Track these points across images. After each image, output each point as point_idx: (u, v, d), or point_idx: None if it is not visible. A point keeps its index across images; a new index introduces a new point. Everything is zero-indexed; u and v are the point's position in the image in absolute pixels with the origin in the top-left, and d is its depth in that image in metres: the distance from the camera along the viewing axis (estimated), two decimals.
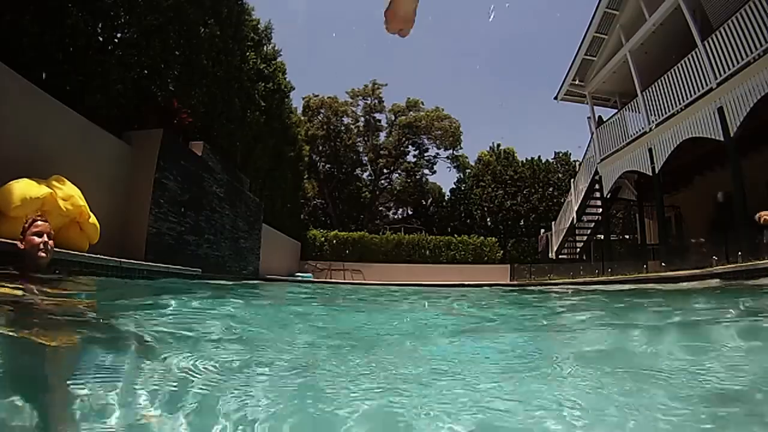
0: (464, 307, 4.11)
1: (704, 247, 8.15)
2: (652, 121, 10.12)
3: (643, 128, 10.49)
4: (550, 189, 22.92)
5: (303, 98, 25.18)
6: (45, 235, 2.47)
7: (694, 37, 8.62)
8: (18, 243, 2.48)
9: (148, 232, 5.24)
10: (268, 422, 1.05)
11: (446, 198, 26.87)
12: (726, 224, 6.02)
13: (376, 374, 1.48)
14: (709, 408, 1.14)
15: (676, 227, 12.28)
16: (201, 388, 1.22)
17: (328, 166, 26.56)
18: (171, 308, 2.58)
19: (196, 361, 1.43)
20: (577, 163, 16.55)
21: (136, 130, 5.57)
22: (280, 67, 12.09)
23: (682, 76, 9.02)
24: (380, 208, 28.23)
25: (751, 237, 6.37)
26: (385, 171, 27.49)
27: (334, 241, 17.58)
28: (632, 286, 6.78)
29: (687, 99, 8.90)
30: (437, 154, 27.32)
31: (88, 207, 3.70)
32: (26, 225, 2.48)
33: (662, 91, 9.71)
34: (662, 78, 9.66)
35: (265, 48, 11.28)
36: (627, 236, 16.71)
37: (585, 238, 14.57)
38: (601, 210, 13.51)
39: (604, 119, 13.08)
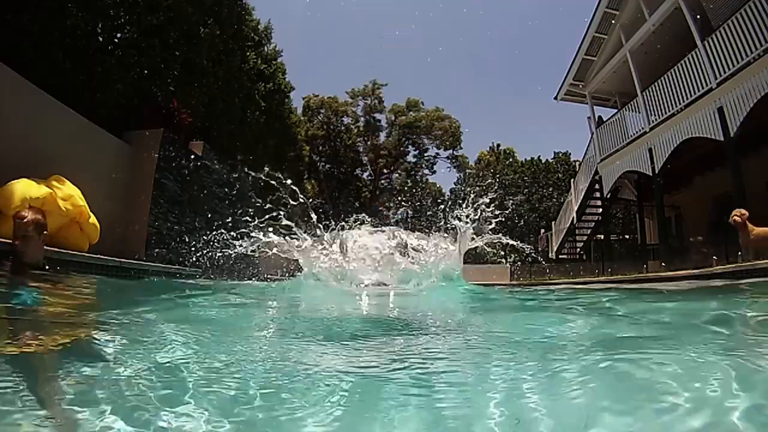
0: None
1: (704, 247, 8.14)
2: (652, 121, 10.11)
3: (643, 128, 10.48)
4: (550, 189, 22.93)
5: (303, 98, 25.22)
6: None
7: (694, 37, 8.62)
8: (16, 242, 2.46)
9: (148, 232, 5.24)
10: None
11: (446, 198, 26.92)
12: (726, 224, 6.02)
13: None
14: None
15: (676, 227, 12.28)
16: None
17: (328, 166, 26.58)
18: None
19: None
20: (577, 163, 16.54)
21: (136, 130, 5.57)
22: (280, 68, 12.09)
23: (682, 76, 9.02)
24: (380, 209, 28.25)
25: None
26: (385, 171, 27.51)
27: None
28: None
29: (687, 99, 8.89)
30: (437, 154, 27.37)
31: (87, 207, 3.71)
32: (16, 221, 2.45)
33: (662, 91, 9.71)
34: (662, 78, 9.65)
35: (265, 48, 11.28)
36: (627, 236, 16.70)
37: (585, 238, 14.57)
38: (601, 210, 13.50)
39: (604, 119, 13.08)
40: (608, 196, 12.70)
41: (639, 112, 10.75)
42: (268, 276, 9.84)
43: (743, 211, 5.54)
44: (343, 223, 4.82)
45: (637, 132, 10.83)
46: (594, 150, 13.16)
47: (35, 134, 3.90)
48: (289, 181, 4.22)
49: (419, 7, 42.49)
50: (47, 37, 4.39)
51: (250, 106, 9.85)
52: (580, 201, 13.72)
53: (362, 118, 27.41)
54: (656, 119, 9.98)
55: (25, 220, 2.37)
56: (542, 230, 17.36)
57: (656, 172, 9.83)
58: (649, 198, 12.00)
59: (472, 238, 4.67)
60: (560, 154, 24.35)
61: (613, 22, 11.79)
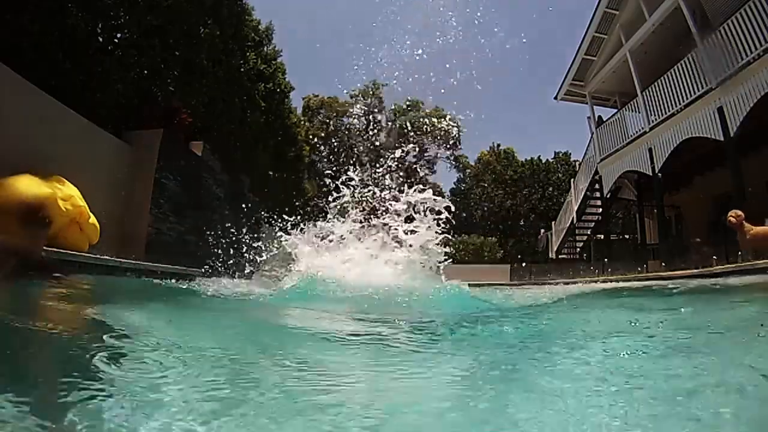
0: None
1: (702, 247, 8.14)
2: (652, 121, 10.12)
3: (643, 128, 10.49)
4: (550, 189, 22.93)
5: (303, 98, 25.23)
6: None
7: (694, 36, 8.62)
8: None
9: (148, 232, 5.24)
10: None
11: (446, 198, 26.91)
12: (726, 224, 6.02)
13: None
14: None
15: (676, 227, 12.28)
16: None
17: (329, 166, 26.60)
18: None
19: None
20: (577, 163, 16.55)
21: (136, 130, 5.57)
22: (280, 68, 12.09)
23: (682, 76, 9.02)
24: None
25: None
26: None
27: None
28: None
29: (687, 99, 8.90)
30: (437, 154, 27.37)
31: (87, 207, 3.70)
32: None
33: (662, 91, 9.71)
34: (662, 78, 9.66)
35: (265, 48, 11.28)
36: (627, 236, 16.70)
37: (585, 238, 14.57)
38: (601, 210, 13.50)
39: (604, 119, 13.09)
40: (608, 196, 12.70)
41: (639, 112, 10.76)
42: (268, 276, 9.81)
43: (738, 212, 5.54)
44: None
45: (637, 132, 10.83)
46: (594, 150, 13.17)
47: (35, 134, 3.90)
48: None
49: (419, 7, 42.45)
50: (47, 37, 4.39)
51: (250, 106, 9.85)
52: (580, 201, 13.73)
53: (362, 118, 27.43)
54: (656, 119, 9.99)
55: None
56: (542, 230, 17.36)
57: (656, 172, 9.83)
58: (649, 198, 12.00)
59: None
60: (560, 154, 24.35)
61: (613, 22, 11.80)
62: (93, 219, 3.78)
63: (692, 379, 1.26)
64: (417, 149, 27.23)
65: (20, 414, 0.95)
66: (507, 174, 23.78)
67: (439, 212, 4.63)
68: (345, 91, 27.13)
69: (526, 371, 1.42)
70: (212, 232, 7.19)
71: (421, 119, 26.16)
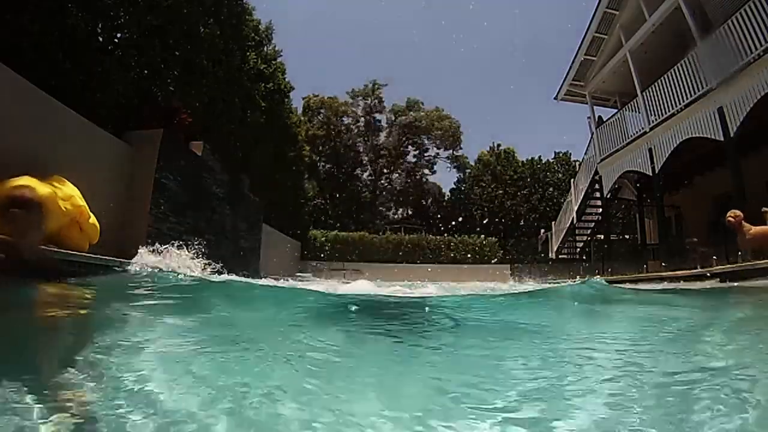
0: None
1: (700, 247, 8.14)
2: (652, 121, 10.12)
3: (643, 128, 10.48)
4: (550, 189, 22.94)
5: (303, 98, 25.25)
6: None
7: (694, 36, 8.62)
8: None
9: (148, 232, 5.24)
10: None
11: (446, 198, 26.90)
12: (725, 224, 6.02)
13: None
14: None
15: (676, 227, 12.28)
16: None
17: (328, 166, 26.58)
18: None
19: None
20: (577, 163, 16.55)
21: (136, 130, 5.56)
22: (280, 68, 12.10)
23: (682, 76, 9.02)
24: (380, 208, 28.26)
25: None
26: (385, 171, 27.51)
27: (335, 241, 17.58)
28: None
29: (687, 99, 8.90)
30: (437, 154, 27.39)
31: (87, 207, 3.70)
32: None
33: (662, 91, 9.71)
34: (662, 78, 9.65)
35: (265, 48, 11.29)
36: (627, 236, 16.71)
37: (585, 238, 14.57)
38: (601, 210, 13.50)
39: (604, 119, 13.09)
40: (608, 196, 12.70)
41: (639, 112, 10.76)
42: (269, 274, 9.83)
43: (737, 212, 5.54)
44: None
45: (637, 132, 10.83)
46: (594, 150, 13.17)
47: (35, 134, 3.90)
48: None
49: (419, 7, 42.50)
50: (47, 37, 4.39)
51: (250, 106, 9.85)
52: (580, 201, 13.73)
53: (362, 118, 27.43)
54: (656, 119, 9.99)
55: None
56: (542, 230, 17.36)
57: (656, 172, 9.83)
58: (649, 198, 12.01)
59: None
60: (560, 154, 24.36)
61: (613, 22, 11.80)
62: (93, 219, 3.78)
63: None
64: (417, 149, 27.26)
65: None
66: (507, 174, 23.78)
67: None
68: (345, 91, 27.14)
69: None
70: (212, 233, 7.19)
71: (421, 119, 26.16)
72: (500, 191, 23.37)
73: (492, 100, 46.05)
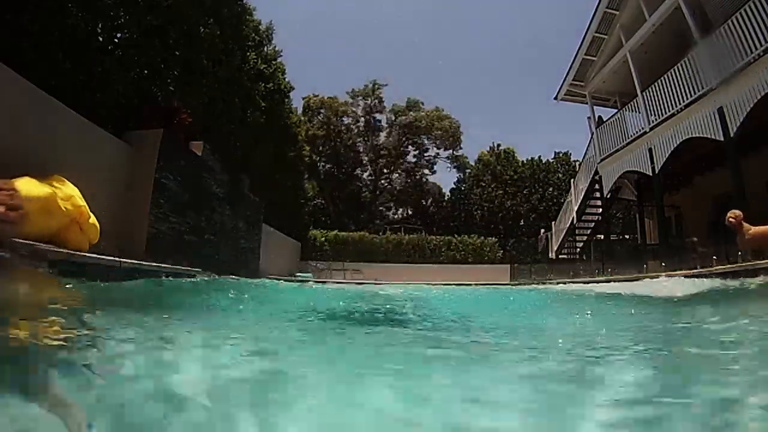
0: None
1: (700, 247, 8.14)
2: (652, 121, 10.12)
3: (643, 128, 10.49)
4: (550, 189, 22.94)
5: (303, 98, 25.23)
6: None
7: (694, 36, 8.62)
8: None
9: (148, 232, 5.24)
10: None
11: (446, 198, 26.89)
12: (725, 224, 6.03)
13: None
14: None
15: (676, 227, 12.28)
16: None
17: (328, 166, 26.57)
18: None
19: None
20: (577, 163, 16.56)
21: (136, 130, 5.56)
22: (280, 68, 12.09)
23: (682, 76, 9.02)
24: (380, 208, 28.25)
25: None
26: (385, 171, 27.51)
27: (335, 241, 17.58)
28: None
29: (687, 99, 8.90)
30: (437, 154, 27.37)
31: (87, 207, 3.70)
32: None
33: (662, 91, 9.71)
34: (662, 78, 9.66)
35: (265, 48, 11.28)
36: (627, 236, 16.71)
37: (585, 238, 14.57)
38: (601, 210, 13.51)
39: (604, 119, 13.09)
40: (608, 196, 12.71)
41: (639, 112, 10.76)
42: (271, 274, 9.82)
43: (737, 212, 5.54)
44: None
45: (637, 132, 10.83)
46: (594, 150, 13.17)
47: (35, 134, 3.90)
48: None
49: (419, 8, 42.51)
50: (47, 37, 4.39)
51: (250, 106, 9.85)
52: (580, 201, 13.73)
53: (362, 118, 27.42)
54: (656, 119, 9.99)
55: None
56: (542, 230, 17.37)
57: (656, 172, 9.83)
58: (649, 198, 12.01)
59: None
60: (560, 154, 24.35)
61: (613, 22, 11.80)
62: (93, 219, 3.78)
63: None
64: (417, 149, 27.25)
65: None
66: (507, 174, 23.77)
67: None
68: (345, 91, 27.13)
69: None
70: (212, 233, 7.20)
71: (421, 119, 26.15)
72: (500, 191, 23.36)
73: (492, 101, 46.06)
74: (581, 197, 13.69)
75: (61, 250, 3.15)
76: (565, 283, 8.78)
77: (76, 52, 4.79)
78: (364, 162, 27.43)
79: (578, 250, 14.79)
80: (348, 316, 3.13)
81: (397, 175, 27.80)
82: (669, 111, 9.48)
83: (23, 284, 2.35)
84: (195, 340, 1.79)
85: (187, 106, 6.70)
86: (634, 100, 10.83)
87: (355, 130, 27.14)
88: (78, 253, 3.40)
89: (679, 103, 9.13)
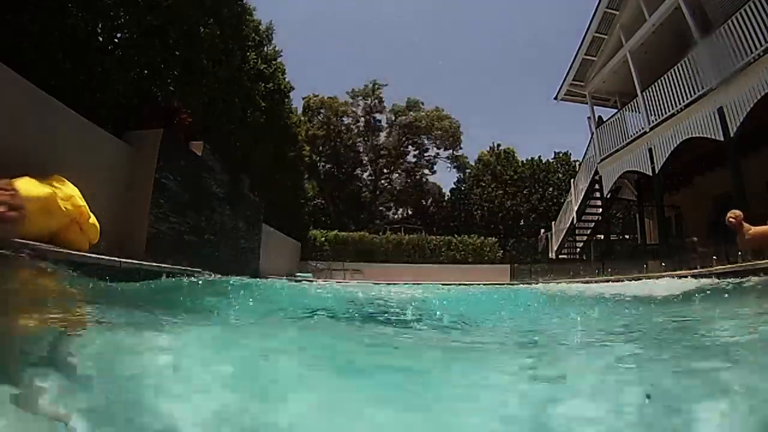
0: None
1: (699, 247, 8.13)
2: (652, 121, 10.12)
3: (643, 128, 10.49)
4: (550, 189, 22.93)
5: (303, 98, 25.23)
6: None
7: (694, 36, 8.62)
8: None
9: (148, 232, 5.24)
10: None
11: (446, 198, 26.88)
12: (725, 224, 6.03)
13: None
14: None
15: (676, 227, 12.28)
16: None
17: (328, 166, 26.57)
18: None
19: None
20: (577, 163, 16.56)
21: (136, 130, 5.56)
22: (280, 68, 12.09)
23: (682, 76, 9.02)
24: (380, 208, 28.24)
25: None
26: (385, 171, 27.50)
27: (334, 241, 17.57)
28: None
29: (687, 99, 8.90)
30: (437, 154, 27.37)
31: (87, 207, 3.70)
32: None
33: (662, 91, 9.71)
34: (662, 78, 9.66)
35: (265, 48, 11.28)
36: (627, 236, 16.71)
37: (585, 238, 14.57)
38: (601, 210, 13.51)
39: (604, 119, 13.09)
40: (608, 196, 12.70)
41: (639, 112, 10.76)
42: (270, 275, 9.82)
43: (737, 212, 5.54)
44: None
45: (637, 132, 10.83)
46: (594, 150, 13.17)
47: (35, 134, 3.90)
48: None
49: (419, 8, 42.50)
50: (47, 37, 4.39)
51: (250, 106, 9.85)
52: (580, 201, 13.73)
53: (362, 118, 27.42)
54: (656, 119, 9.99)
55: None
56: (542, 230, 17.37)
57: (656, 172, 9.83)
58: (649, 198, 12.01)
59: None
60: (560, 154, 24.35)
61: (613, 22, 11.80)
62: (93, 219, 3.78)
63: None
64: (417, 149, 27.25)
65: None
66: (507, 174, 23.77)
67: None
68: (345, 91, 27.13)
69: None
70: (212, 233, 7.20)
71: (421, 119, 26.14)
72: (500, 191, 23.36)
73: (492, 100, 46.09)
74: (581, 197, 13.69)
75: (61, 250, 3.15)
76: (566, 282, 8.78)
77: (76, 52, 4.79)
78: (364, 162, 27.43)
79: (578, 250, 14.79)
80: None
81: (397, 175, 27.80)
82: (669, 111, 9.48)
83: (26, 282, 2.36)
84: (200, 339, 1.78)
85: (187, 106, 6.70)
86: (634, 100, 10.83)
87: (355, 130, 27.14)
88: (78, 252, 3.40)
89: (679, 103, 9.13)
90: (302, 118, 19.96)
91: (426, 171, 27.54)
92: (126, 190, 5.23)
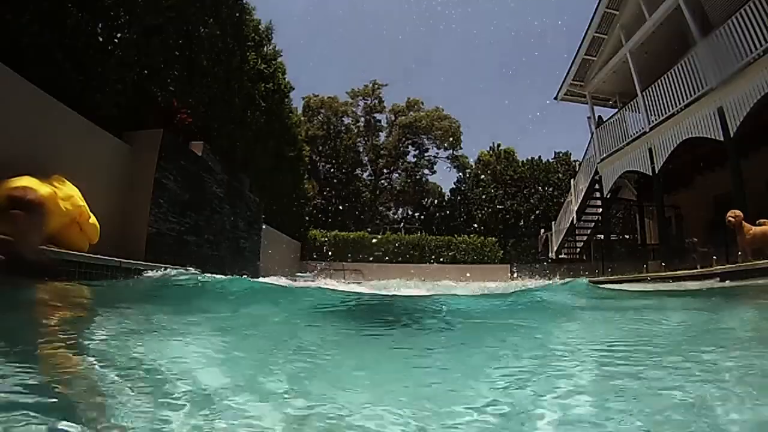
0: None
1: (700, 247, 8.14)
2: (652, 121, 10.12)
3: (643, 128, 10.49)
4: (550, 189, 22.93)
5: (303, 98, 25.25)
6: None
7: (694, 37, 8.62)
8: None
9: (148, 232, 5.23)
10: None
11: (446, 198, 26.89)
12: (725, 224, 6.03)
13: None
14: None
15: (676, 227, 12.28)
16: None
17: (328, 166, 26.57)
18: None
19: None
20: (577, 163, 16.55)
21: (136, 130, 5.56)
22: (280, 68, 12.10)
23: (682, 76, 9.02)
24: (380, 208, 28.25)
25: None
26: (385, 171, 27.50)
27: (335, 241, 17.58)
28: None
29: (687, 99, 8.90)
30: (437, 154, 27.38)
31: (87, 207, 3.70)
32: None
33: (662, 91, 9.71)
34: (662, 78, 9.66)
35: (265, 48, 11.29)
36: (627, 236, 16.71)
37: (585, 238, 14.57)
38: (601, 210, 13.50)
39: (604, 119, 13.09)
40: (608, 196, 12.70)
41: (639, 112, 10.76)
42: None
43: (737, 212, 5.55)
44: None
45: (637, 132, 10.83)
46: (594, 150, 13.17)
47: (35, 134, 3.90)
48: None
49: (420, 8, 42.51)
50: (47, 37, 4.39)
51: (250, 106, 9.85)
52: (580, 201, 13.73)
53: (362, 118, 27.43)
54: (656, 119, 9.99)
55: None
56: (542, 230, 17.36)
57: (656, 172, 9.83)
58: (649, 198, 12.01)
59: None
60: (560, 154, 24.35)
61: (613, 22, 11.80)
62: (93, 219, 3.78)
63: None
64: (417, 149, 27.25)
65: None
66: (507, 174, 23.77)
67: None
68: (345, 91, 27.13)
69: None
70: (212, 233, 7.20)
71: (421, 119, 26.14)
72: (500, 191, 23.36)
73: (492, 100, 46.10)
74: (581, 197, 13.69)
75: (61, 250, 3.15)
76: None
77: (76, 52, 4.79)
78: (364, 162, 27.43)
79: (578, 250, 14.79)
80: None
81: (397, 175, 27.80)
82: (669, 111, 9.48)
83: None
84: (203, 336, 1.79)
85: (187, 106, 6.70)
86: (634, 100, 10.83)
87: (355, 130, 27.15)
88: (78, 252, 3.40)
89: (679, 103, 9.13)
90: (302, 118, 19.97)
91: (426, 171, 27.57)
92: (126, 190, 5.22)
